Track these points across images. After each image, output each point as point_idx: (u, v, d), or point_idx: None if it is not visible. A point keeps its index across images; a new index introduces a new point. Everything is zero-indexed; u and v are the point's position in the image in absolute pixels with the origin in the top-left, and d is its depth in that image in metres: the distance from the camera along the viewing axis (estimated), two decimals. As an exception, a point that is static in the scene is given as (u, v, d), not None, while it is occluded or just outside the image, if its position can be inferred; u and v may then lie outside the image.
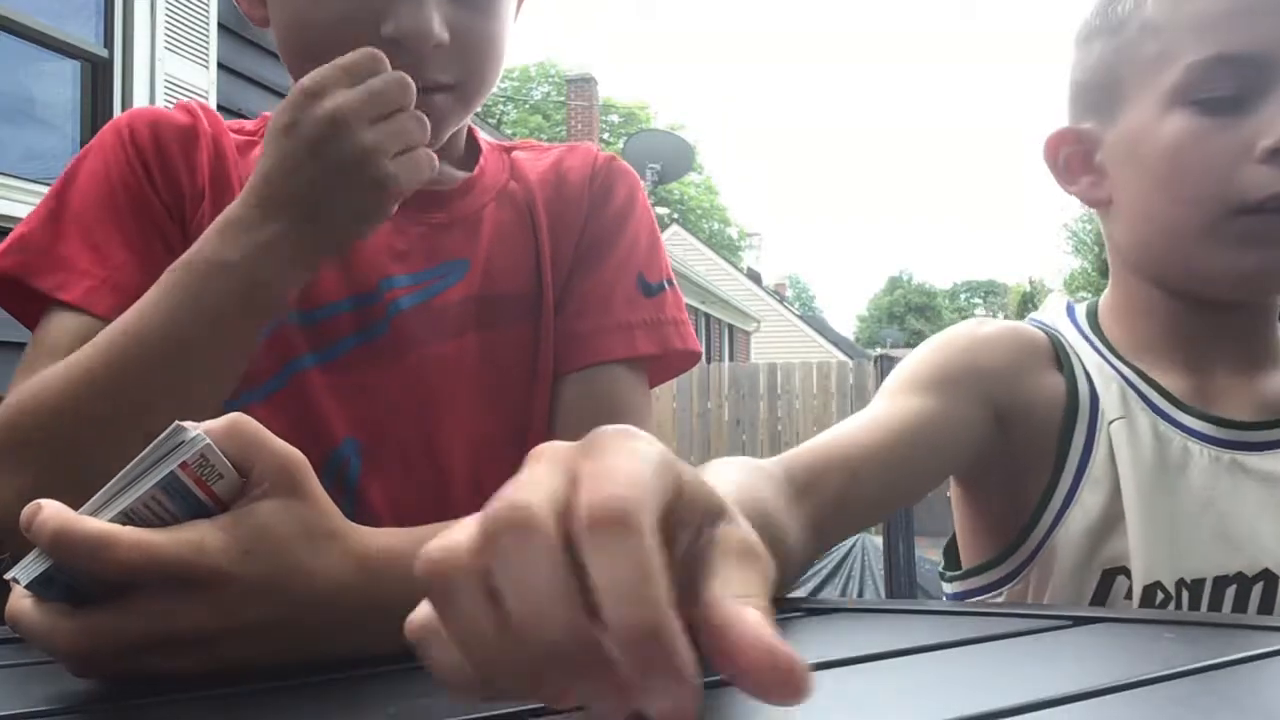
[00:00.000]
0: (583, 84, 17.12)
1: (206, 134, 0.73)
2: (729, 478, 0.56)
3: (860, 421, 0.73)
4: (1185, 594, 0.70)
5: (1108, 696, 0.41)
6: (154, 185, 0.70)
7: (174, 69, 3.61)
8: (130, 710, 0.39)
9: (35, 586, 0.38)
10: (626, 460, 0.27)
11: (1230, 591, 0.70)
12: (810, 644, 0.51)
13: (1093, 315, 0.83)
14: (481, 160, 0.79)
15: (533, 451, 0.29)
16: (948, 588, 0.83)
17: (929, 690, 0.43)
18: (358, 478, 0.71)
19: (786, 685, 0.24)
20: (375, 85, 0.58)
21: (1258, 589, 0.70)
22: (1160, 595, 0.70)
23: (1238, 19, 0.69)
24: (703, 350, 0.81)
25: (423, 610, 0.28)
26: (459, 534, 0.27)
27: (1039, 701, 0.40)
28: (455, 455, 0.72)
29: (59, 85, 3.51)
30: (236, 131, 0.76)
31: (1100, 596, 0.72)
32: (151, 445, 0.39)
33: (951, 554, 0.84)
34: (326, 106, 0.56)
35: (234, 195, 0.65)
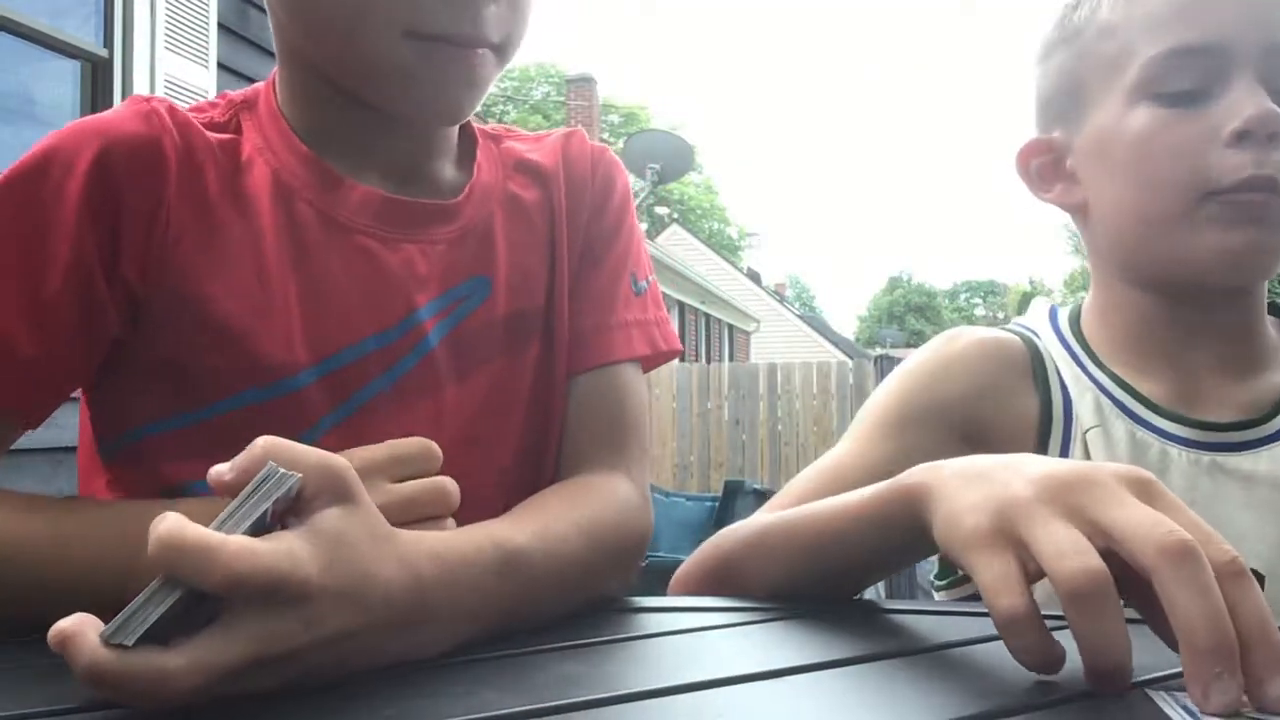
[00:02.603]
0: (583, 84, 17.10)
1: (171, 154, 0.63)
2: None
3: (835, 469, 0.76)
4: None
5: (1107, 696, 0.41)
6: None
7: (174, 69, 3.60)
8: (130, 712, 0.38)
9: (121, 636, 0.37)
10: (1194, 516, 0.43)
11: None
12: (811, 644, 0.51)
13: (1075, 319, 0.83)
14: (478, 155, 0.74)
15: (1090, 477, 0.44)
16: (936, 596, 0.84)
17: (929, 690, 0.43)
18: None
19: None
20: (415, 493, 0.53)
21: None
22: None
23: (1190, 12, 0.71)
24: (682, 347, 0.81)
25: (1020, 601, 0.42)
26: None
27: (1039, 702, 0.40)
28: (485, 486, 0.68)
29: (59, 85, 3.50)
30: (205, 125, 0.66)
31: None
32: (252, 486, 0.40)
33: (946, 561, 0.85)
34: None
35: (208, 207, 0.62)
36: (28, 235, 0.58)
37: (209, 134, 0.65)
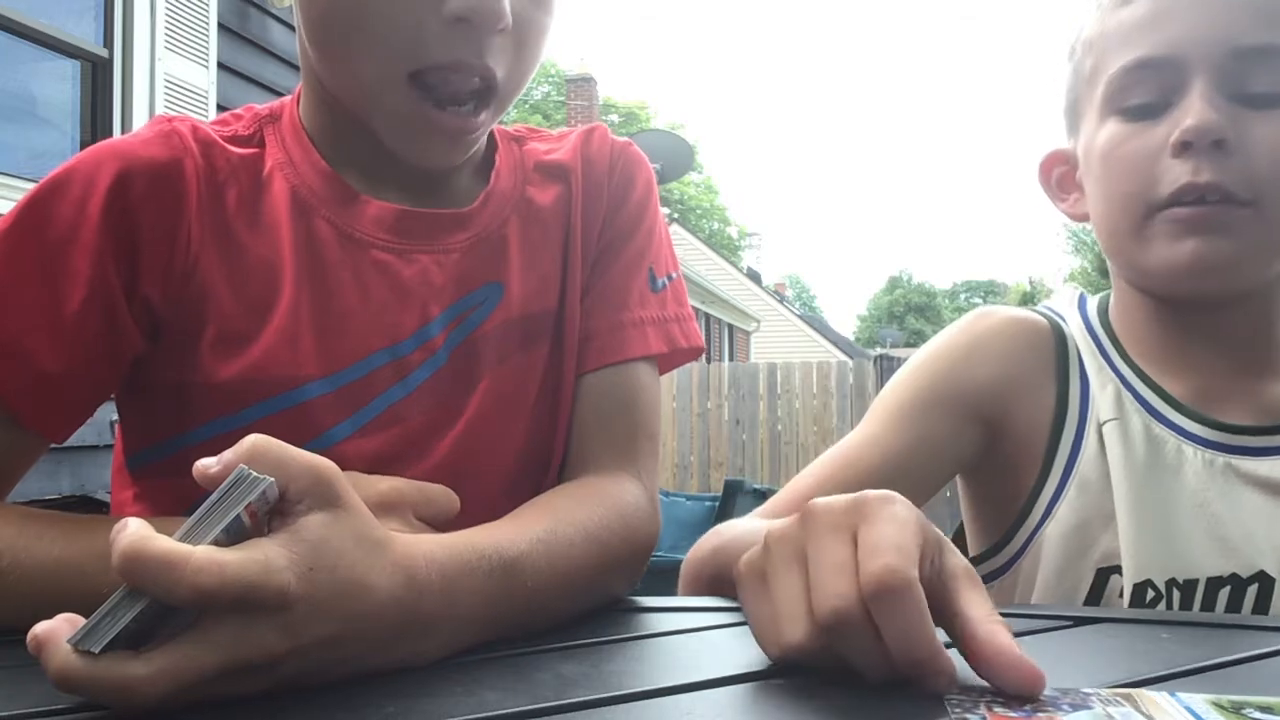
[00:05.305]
0: (583, 84, 17.08)
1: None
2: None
3: (847, 456, 0.77)
4: (1176, 593, 0.70)
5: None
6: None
7: (174, 69, 3.60)
8: (128, 714, 0.38)
9: (89, 643, 0.37)
10: (897, 530, 0.41)
11: (1224, 593, 0.70)
12: (810, 644, 0.51)
13: (1104, 310, 0.84)
14: (497, 162, 0.74)
15: (808, 510, 0.44)
16: None
17: (926, 691, 0.43)
18: None
19: (1029, 688, 0.39)
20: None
21: (1252, 590, 0.70)
22: (1151, 594, 0.70)
23: (1150, 25, 0.73)
24: (705, 346, 0.80)
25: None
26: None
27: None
28: (489, 486, 0.68)
29: (59, 85, 3.50)
30: (229, 140, 0.68)
31: (1095, 595, 0.73)
32: (221, 490, 0.39)
33: (959, 543, 0.86)
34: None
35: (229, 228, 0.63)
36: (49, 253, 0.59)
37: (231, 149, 0.67)
